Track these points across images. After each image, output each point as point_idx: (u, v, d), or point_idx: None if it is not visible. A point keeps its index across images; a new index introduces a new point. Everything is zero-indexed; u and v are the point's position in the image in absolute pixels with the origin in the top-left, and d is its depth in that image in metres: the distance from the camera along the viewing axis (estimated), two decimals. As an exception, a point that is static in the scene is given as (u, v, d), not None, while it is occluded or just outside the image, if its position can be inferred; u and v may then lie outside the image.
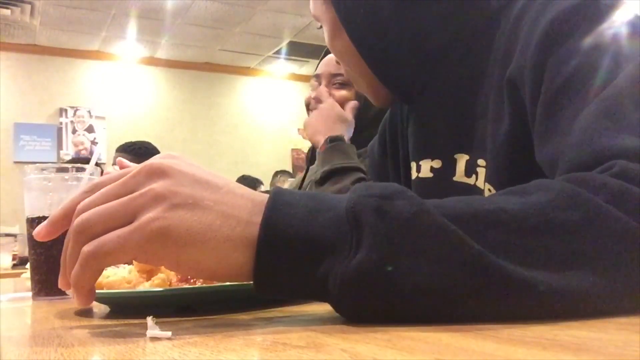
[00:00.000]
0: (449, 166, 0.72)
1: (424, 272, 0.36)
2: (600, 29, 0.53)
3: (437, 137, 0.74)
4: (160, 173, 0.40)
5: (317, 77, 1.61)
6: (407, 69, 0.72)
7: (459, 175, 0.71)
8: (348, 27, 0.71)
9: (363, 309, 0.38)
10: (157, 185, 0.39)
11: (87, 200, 0.41)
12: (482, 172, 0.67)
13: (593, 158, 0.44)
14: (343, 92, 1.57)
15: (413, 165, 0.80)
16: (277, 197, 0.40)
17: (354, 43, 0.71)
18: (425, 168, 0.77)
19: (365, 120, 1.60)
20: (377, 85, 0.75)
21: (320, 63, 1.64)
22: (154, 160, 0.42)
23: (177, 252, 0.38)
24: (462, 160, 0.70)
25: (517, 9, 0.62)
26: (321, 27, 0.78)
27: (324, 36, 0.77)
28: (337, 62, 0.80)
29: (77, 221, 0.40)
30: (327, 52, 1.64)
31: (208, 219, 0.39)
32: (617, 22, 0.53)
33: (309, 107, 1.62)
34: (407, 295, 0.36)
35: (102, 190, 0.41)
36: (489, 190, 0.65)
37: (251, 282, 0.52)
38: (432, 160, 0.76)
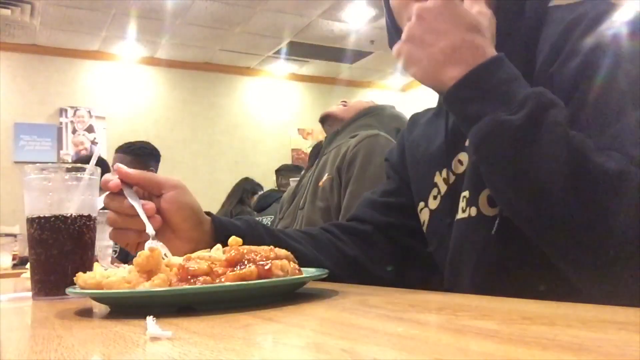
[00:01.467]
0: None
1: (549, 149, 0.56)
2: (636, 51, 0.63)
3: None
4: (420, 18, 0.67)
5: None
6: None
7: None
8: None
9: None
10: (411, 29, 0.68)
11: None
12: None
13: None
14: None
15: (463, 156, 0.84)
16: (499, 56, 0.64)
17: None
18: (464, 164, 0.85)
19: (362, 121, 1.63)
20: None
21: None
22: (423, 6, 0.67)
23: (409, 67, 0.68)
24: None
25: (569, 19, 0.70)
26: None
27: None
28: None
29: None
30: None
31: (430, 53, 0.66)
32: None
33: (323, 122, 1.74)
34: (531, 167, 0.57)
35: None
36: None
37: (251, 282, 0.52)
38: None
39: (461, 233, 0.78)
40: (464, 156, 0.81)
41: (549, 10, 0.76)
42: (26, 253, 1.02)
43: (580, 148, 0.57)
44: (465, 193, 0.77)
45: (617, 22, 0.66)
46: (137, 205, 0.72)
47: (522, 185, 0.59)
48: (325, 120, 1.73)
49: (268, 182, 4.24)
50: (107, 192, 0.75)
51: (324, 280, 0.64)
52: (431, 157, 0.88)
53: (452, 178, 0.82)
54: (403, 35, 0.68)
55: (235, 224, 0.83)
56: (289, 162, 5.79)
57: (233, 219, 0.86)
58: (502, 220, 0.70)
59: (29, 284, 0.77)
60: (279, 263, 0.56)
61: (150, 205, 0.73)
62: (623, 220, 0.54)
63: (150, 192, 0.76)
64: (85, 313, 0.57)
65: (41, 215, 0.74)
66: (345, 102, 1.75)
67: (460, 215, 0.78)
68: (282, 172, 4.02)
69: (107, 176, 0.75)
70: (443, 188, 0.84)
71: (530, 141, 0.57)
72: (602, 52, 0.64)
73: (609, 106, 0.61)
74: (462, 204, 0.78)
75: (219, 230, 0.78)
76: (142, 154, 2.75)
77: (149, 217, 0.72)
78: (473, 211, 0.75)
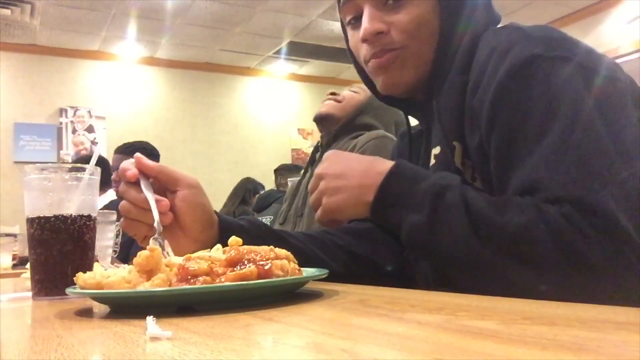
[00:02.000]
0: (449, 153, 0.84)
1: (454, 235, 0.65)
2: (551, 82, 0.65)
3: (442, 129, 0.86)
4: (319, 179, 0.79)
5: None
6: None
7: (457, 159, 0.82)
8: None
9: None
10: (320, 188, 0.79)
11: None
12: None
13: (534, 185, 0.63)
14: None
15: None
16: (397, 169, 0.72)
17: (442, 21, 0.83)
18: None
19: (357, 122, 1.60)
20: (412, 61, 0.84)
21: None
22: (320, 170, 0.80)
23: (332, 210, 0.77)
24: (459, 149, 0.80)
25: (486, 51, 0.73)
26: None
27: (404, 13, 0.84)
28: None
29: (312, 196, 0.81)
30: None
31: (339, 198, 0.76)
32: (569, 73, 0.65)
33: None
34: (443, 249, 0.67)
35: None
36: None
37: (251, 282, 0.52)
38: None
39: None
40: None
41: (483, 36, 0.78)
42: (26, 253, 1.01)
43: (480, 215, 0.63)
44: None
45: (530, 47, 0.68)
46: (151, 198, 0.72)
47: (448, 262, 0.68)
48: (321, 121, 1.66)
49: (268, 182, 4.24)
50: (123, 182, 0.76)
51: (324, 280, 0.64)
52: None
53: None
54: (316, 195, 0.79)
55: (241, 224, 0.83)
56: (289, 162, 5.79)
57: (237, 218, 0.86)
58: None
59: (29, 284, 0.77)
60: (279, 263, 0.56)
61: (165, 202, 0.74)
62: (538, 266, 0.59)
63: (166, 187, 0.77)
64: (85, 313, 0.57)
65: (41, 215, 0.74)
66: (334, 93, 1.68)
67: None
68: (281, 171, 4.01)
69: (126, 164, 0.75)
70: None
71: (438, 228, 0.66)
72: (513, 78, 0.67)
73: (526, 132, 0.65)
74: None
75: (225, 233, 0.79)
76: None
77: (161, 214, 0.72)
78: None
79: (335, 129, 1.63)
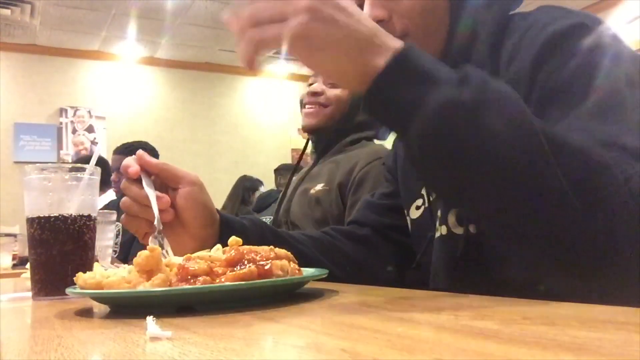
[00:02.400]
0: None
1: (501, 123, 0.49)
2: (591, 47, 0.62)
3: None
4: None
5: (315, 75, 1.58)
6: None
7: None
8: None
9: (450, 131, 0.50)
10: (315, 4, 0.51)
11: (253, 7, 0.54)
12: None
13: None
14: (337, 91, 1.53)
15: None
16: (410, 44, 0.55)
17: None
18: None
19: (349, 124, 1.58)
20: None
21: None
22: None
23: (310, 52, 0.53)
24: None
25: (523, 27, 0.69)
26: None
27: None
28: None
29: (249, 12, 0.53)
30: None
31: (337, 34, 0.52)
32: (606, 42, 0.63)
33: (302, 104, 1.59)
34: (485, 130, 0.49)
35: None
36: None
37: (251, 282, 0.52)
38: None
39: (436, 251, 0.79)
40: None
41: (510, 19, 0.75)
42: (26, 253, 1.01)
43: (540, 124, 0.50)
44: (439, 211, 0.77)
45: (573, 17, 0.66)
46: (152, 196, 0.72)
47: (494, 169, 0.49)
48: (312, 132, 1.58)
49: (268, 182, 4.23)
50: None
51: (324, 280, 0.64)
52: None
53: (433, 194, 0.82)
54: (298, 7, 0.51)
55: (243, 223, 0.83)
56: (289, 162, 5.78)
57: (240, 217, 0.86)
58: (469, 240, 0.70)
59: (29, 284, 0.77)
60: (279, 263, 0.56)
61: (166, 199, 0.73)
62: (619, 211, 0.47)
63: (168, 185, 0.76)
64: (85, 313, 0.57)
65: (41, 215, 0.74)
66: (316, 93, 1.54)
67: (436, 232, 0.78)
68: (281, 171, 4.01)
69: (128, 160, 0.75)
70: (427, 200, 0.84)
71: (486, 108, 0.49)
72: (557, 41, 0.63)
73: (570, 93, 0.60)
74: (437, 221, 0.78)
75: (226, 230, 0.78)
76: None
77: (161, 211, 0.72)
78: (444, 229, 0.76)
79: (328, 138, 1.57)
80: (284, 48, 0.52)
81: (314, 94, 1.55)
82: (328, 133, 1.57)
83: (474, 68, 0.53)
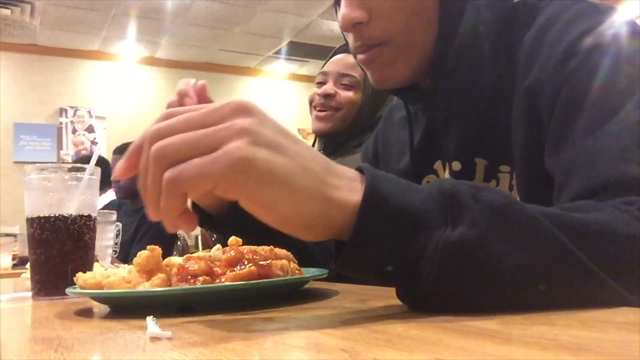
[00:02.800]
0: (469, 169, 0.72)
1: (519, 254, 0.39)
2: (620, 51, 0.56)
3: (457, 139, 0.73)
4: (246, 111, 0.41)
5: (325, 74, 1.56)
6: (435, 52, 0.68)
7: (478, 179, 0.71)
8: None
9: (456, 281, 0.39)
10: (243, 121, 0.39)
11: (165, 124, 0.40)
12: (504, 177, 0.68)
13: (613, 184, 0.48)
14: (350, 94, 1.51)
15: (439, 165, 0.79)
16: (370, 169, 0.42)
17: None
18: (445, 170, 0.77)
19: (361, 126, 1.56)
20: (404, 54, 0.68)
21: (329, 61, 1.58)
22: (238, 99, 0.42)
23: (258, 188, 0.38)
24: (481, 165, 0.71)
25: (539, 24, 0.63)
26: None
27: None
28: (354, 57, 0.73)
29: (159, 145, 0.39)
30: (337, 52, 1.58)
31: (289, 165, 0.39)
32: (636, 45, 0.56)
33: (312, 104, 1.55)
34: (499, 275, 0.39)
35: (182, 117, 0.40)
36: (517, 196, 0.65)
37: (251, 282, 0.52)
38: (450, 164, 0.75)
39: None
40: (432, 178, 0.79)
41: (514, 9, 0.69)
42: (26, 253, 1.01)
43: (554, 215, 0.42)
44: None
45: (600, 15, 0.60)
46: None
47: (519, 288, 0.40)
48: (324, 137, 1.56)
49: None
50: None
51: (324, 280, 0.64)
52: (400, 175, 0.82)
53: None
54: (232, 130, 0.38)
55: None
56: (289, 162, 5.78)
57: None
58: None
59: (29, 284, 0.77)
60: (279, 263, 0.56)
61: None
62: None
63: None
64: (85, 313, 0.57)
65: (41, 215, 0.74)
66: (328, 94, 1.49)
67: None
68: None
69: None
70: None
71: (498, 239, 0.39)
72: (599, 53, 0.57)
73: (606, 105, 0.55)
74: None
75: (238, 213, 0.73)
76: None
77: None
78: None
79: (338, 141, 1.55)
80: (220, 190, 0.38)
81: (327, 95, 1.50)
82: (338, 136, 1.54)
83: (455, 186, 0.41)
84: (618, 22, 0.59)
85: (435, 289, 0.39)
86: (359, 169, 0.43)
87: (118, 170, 0.43)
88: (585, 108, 0.54)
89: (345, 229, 0.40)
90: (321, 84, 1.56)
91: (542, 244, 0.39)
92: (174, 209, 0.38)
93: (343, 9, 0.66)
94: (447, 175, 0.76)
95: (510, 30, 0.68)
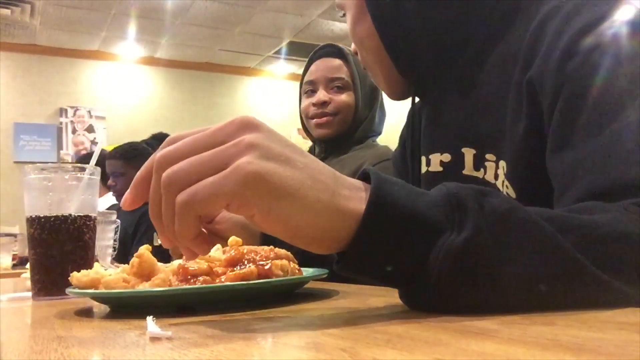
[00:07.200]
0: (458, 160, 0.73)
1: (522, 261, 0.39)
2: (624, 45, 0.55)
3: (446, 131, 0.75)
4: (252, 126, 0.41)
5: (312, 83, 1.55)
6: (424, 60, 0.74)
7: (468, 168, 0.72)
8: (373, 12, 0.72)
9: (459, 286, 0.39)
10: (250, 136, 0.39)
11: (171, 148, 0.40)
12: (490, 166, 0.69)
13: (618, 186, 0.48)
14: (343, 97, 1.51)
15: (423, 159, 0.81)
16: (377, 175, 0.41)
17: (377, 28, 0.72)
18: (434, 162, 0.78)
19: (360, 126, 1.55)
20: (393, 75, 0.76)
21: (312, 69, 1.57)
22: (241, 116, 0.42)
23: (270, 202, 0.38)
24: (469, 154, 0.71)
25: (542, 14, 0.63)
26: (344, 15, 0.79)
27: (347, 22, 0.78)
28: (355, 53, 0.80)
29: (169, 171, 0.39)
30: (314, 58, 1.59)
31: (300, 177, 0.39)
32: (637, 44, 0.55)
33: (308, 116, 1.55)
34: (502, 281, 0.39)
35: (188, 140, 0.40)
36: (507, 187, 0.65)
37: (251, 282, 0.52)
38: (441, 154, 0.77)
39: None
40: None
41: (519, 6, 0.69)
42: (26, 253, 1.01)
43: (560, 217, 0.42)
44: None
45: (604, 6, 0.58)
46: None
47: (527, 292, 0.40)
48: (325, 142, 1.55)
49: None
50: None
51: (324, 280, 0.64)
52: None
53: None
54: (240, 146, 0.39)
55: None
56: (289, 162, 5.78)
57: None
58: None
59: (29, 284, 0.77)
60: (279, 263, 0.56)
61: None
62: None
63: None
64: (85, 313, 0.57)
65: (41, 215, 0.74)
66: (324, 102, 1.50)
67: None
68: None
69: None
70: None
71: (506, 243, 0.39)
72: (600, 51, 0.55)
73: (608, 105, 0.53)
74: None
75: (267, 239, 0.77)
76: (130, 157, 2.68)
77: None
78: None
79: (339, 142, 1.55)
80: (234, 207, 0.38)
81: (322, 103, 1.51)
82: (339, 137, 1.54)
83: (461, 191, 0.41)
84: (621, 13, 0.57)
85: (439, 293, 0.40)
86: (366, 173, 0.43)
87: (126, 200, 0.43)
88: (586, 108, 0.54)
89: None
90: (311, 92, 1.56)
91: (545, 250, 0.39)
92: (190, 232, 0.39)
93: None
94: (437, 166, 0.77)
95: (513, 22, 0.68)
